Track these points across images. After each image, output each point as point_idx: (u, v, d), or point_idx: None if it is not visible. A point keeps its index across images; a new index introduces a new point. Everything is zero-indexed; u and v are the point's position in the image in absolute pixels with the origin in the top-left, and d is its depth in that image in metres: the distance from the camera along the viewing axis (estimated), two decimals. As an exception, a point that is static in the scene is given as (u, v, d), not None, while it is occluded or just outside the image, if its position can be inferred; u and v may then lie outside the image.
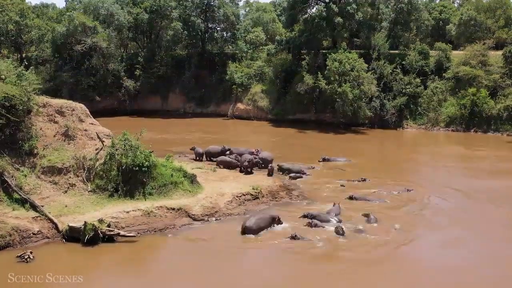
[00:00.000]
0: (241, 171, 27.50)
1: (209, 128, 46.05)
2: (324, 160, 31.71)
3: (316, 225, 19.68)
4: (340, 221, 20.19)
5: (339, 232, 18.96)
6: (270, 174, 26.88)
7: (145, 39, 60.53)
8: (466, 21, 57.06)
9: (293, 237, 18.40)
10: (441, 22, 63.75)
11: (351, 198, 23.64)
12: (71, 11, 55.54)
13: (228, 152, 29.83)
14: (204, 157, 31.05)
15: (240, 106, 53.38)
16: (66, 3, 68.62)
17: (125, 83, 54.70)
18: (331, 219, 20.31)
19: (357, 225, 20.08)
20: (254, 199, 23.07)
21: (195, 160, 30.69)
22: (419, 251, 18.53)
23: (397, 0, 50.43)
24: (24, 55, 59.57)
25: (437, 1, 70.02)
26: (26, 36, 56.35)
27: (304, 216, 20.63)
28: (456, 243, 19.12)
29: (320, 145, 38.16)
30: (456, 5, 72.25)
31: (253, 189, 23.46)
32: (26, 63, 25.16)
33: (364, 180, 26.67)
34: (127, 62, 56.48)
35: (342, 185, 25.96)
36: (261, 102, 52.08)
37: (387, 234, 19.13)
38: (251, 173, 27.19)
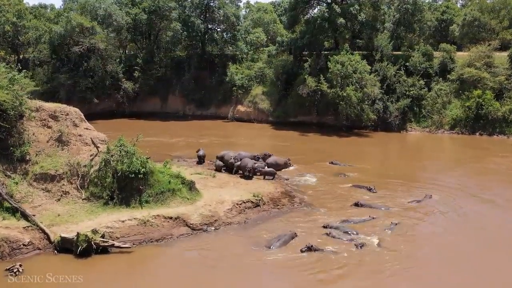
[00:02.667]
0: (242, 177, 26.71)
1: (210, 131, 45.28)
2: (332, 164, 30.99)
3: (334, 236, 18.89)
4: (356, 233, 19.32)
5: (357, 246, 18.14)
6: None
7: (144, 40, 59.64)
8: (470, 22, 56.17)
9: (309, 248, 17.69)
10: (443, 23, 62.84)
11: (356, 205, 22.83)
12: (68, 12, 54.70)
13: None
14: (204, 159, 30.63)
15: (240, 108, 52.51)
16: (63, 4, 67.85)
17: (124, 85, 53.84)
18: (348, 230, 19.44)
19: (372, 238, 19.08)
20: (255, 207, 22.21)
21: (198, 163, 30.26)
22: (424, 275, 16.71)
23: (401, 1, 49.50)
24: (21, 56, 58.80)
25: (440, 2, 69.06)
26: (23, 37, 55.50)
27: (324, 227, 19.84)
28: (464, 266, 17.30)
29: (323, 149, 37.27)
30: (459, 5, 71.29)
31: (254, 196, 22.61)
32: (20, 66, 24.27)
33: (370, 189, 25.26)
34: (125, 64, 55.57)
35: (370, 190, 25.13)
36: (262, 104, 51.19)
37: (395, 253, 17.88)
38: (250, 178, 26.36)
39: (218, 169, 27.90)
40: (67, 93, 50.36)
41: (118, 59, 55.56)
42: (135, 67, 55.35)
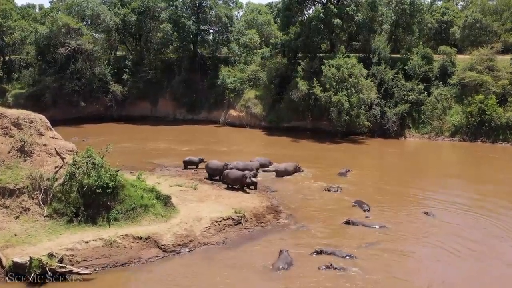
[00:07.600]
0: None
1: (201, 136, 43.35)
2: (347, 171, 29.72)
3: (335, 268, 16.30)
4: (350, 256, 17.21)
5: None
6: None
7: (134, 41, 57.59)
8: (471, 24, 54.25)
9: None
10: (444, 24, 60.92)
11: (347, 223, 20.83)
12: (55, 12, 52.78)
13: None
14: (193, 165, 30.08)
15: (232, 112, 50.48)
16: (50, 4, 65.96)
17: (112, 88, 51.73)
18: (346, 255, 17.26)
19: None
20: (236, 225, 20.22)
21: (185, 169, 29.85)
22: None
23: (399, 2, 47.50)
24: (7, 58, 56.88)
25: (439, 3, 67.12)
26: (8, 38, 53.55)
27: (318, 253, 17.53)
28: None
29: (312, 156, 35.19)
30: (459, 7, 69.37)
31: (235, 212, 20.64)
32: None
33: (365, 210, 22.50)
34: (114, 66, 53.50)
35: (365, 210, 22.52)
36: (255, 108, 49.15)
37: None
38: (235, 189, 24.60)
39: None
40: (53, 96, 48.80)
41: (107, 61, 53.61)
42: (124, 70, 53.26)
